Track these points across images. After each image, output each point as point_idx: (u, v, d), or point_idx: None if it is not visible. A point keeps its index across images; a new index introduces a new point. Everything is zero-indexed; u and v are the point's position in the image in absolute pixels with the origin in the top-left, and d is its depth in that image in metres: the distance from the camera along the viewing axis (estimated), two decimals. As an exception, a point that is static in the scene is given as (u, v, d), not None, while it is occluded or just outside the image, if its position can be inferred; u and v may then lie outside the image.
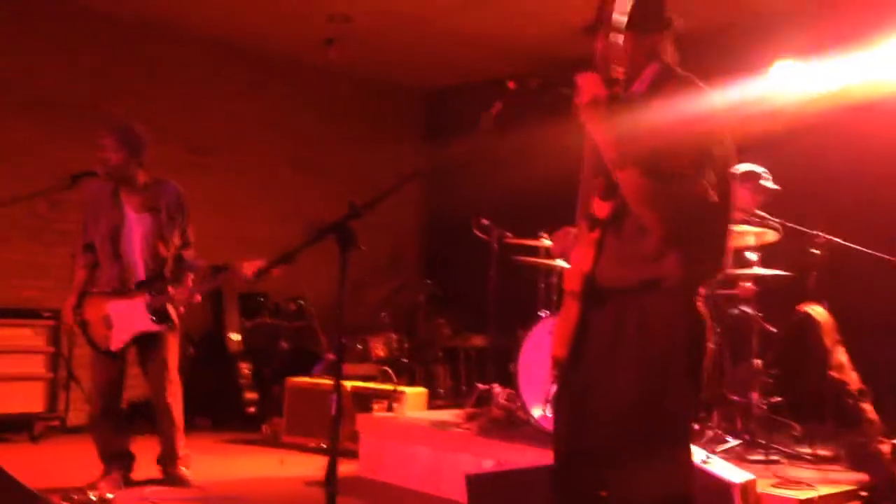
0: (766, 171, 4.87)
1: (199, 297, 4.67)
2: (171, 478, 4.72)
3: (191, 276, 4.58)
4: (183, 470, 4.74)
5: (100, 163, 4.55)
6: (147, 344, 4.66)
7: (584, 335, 2.22)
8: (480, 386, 5.37)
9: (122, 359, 4.69)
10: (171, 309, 4.61)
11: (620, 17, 2.07)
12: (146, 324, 4.56)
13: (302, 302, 7.54)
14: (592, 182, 2.26)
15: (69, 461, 5.37)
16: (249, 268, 4.44)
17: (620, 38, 2.08)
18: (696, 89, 2.19)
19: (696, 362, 2.17)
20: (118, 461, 4.67)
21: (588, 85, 2.10)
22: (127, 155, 4.52)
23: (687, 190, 2.05)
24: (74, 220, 6.86)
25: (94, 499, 4.26)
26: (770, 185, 4.84)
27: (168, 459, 4.75)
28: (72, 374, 6.51)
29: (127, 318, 4.59)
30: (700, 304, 2.20)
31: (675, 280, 2.12)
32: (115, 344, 4.60)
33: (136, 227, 4.57)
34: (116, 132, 4.53)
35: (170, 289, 4.55)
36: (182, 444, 4.75)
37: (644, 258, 2.13)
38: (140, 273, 4.58)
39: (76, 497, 4.26)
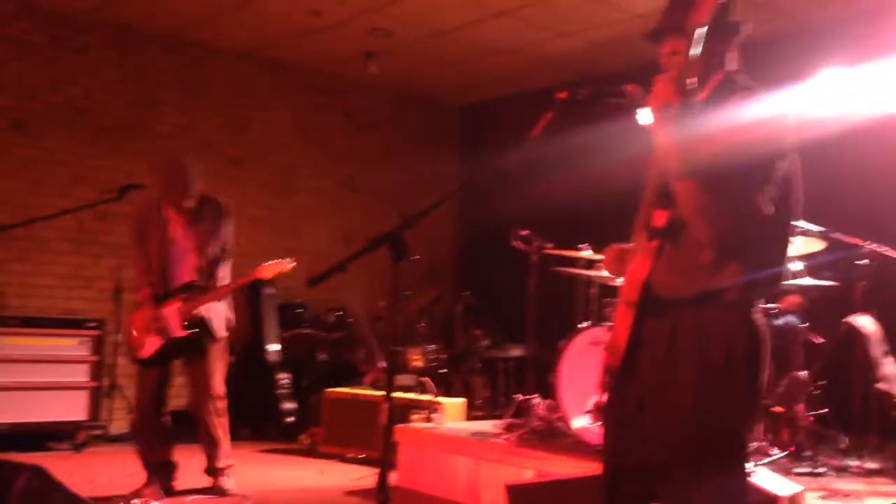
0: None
1: (226, 293, 4.75)
2: (213, 487, 4.78)
3: (218, 280, 4.71)
4: (224, 480, 4.78)
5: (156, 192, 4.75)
6: (190, 355, 4.73)
7: (638, 345, 2.20)
8: (519, 396, 5.35)
9: (162, 367, 4.75)
10: (212, 320, 4.69)
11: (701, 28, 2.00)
12: (177, 330, 4.65)
13: (341, 313, 7.58)
14: (656, 192, 2.23)
15: (112, 470, 5.44)
16: (268, 270, 4.64)
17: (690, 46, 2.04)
18: (761, 101, 2.15)
19: (754, 376, 2.13)
20: (160, 470, 4.73)
21: (662, 89, 2.05)
22: (180, 191, 4.69)
23: (744, 203, 2.02)
24: (121, 233, 7.01)
25: None
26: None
27: (209, 470, 4.81)
28: (115, 384, 6.61)
29: (161, 326, 4.70)
30: (759, 317, 2.16)
31: (734, 292, 2.09)
32: (147, 351, 4.69)
33: (180, 241, 4.74)
34: (167, 175, 4.71)
35: (201, 295, 4.65)
36: (223, 456, 4.78)
37: (702, 269, 2.10)
38: (178, 283, 4.72)
39: None
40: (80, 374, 6.35)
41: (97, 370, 6.43)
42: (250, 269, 4.76)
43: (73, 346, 6.34)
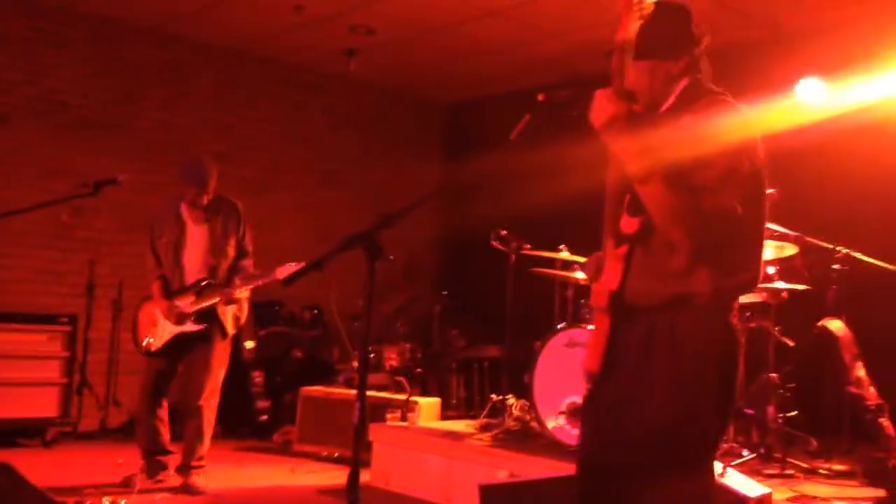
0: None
1: (238, 297, 4.89)
2: (184, 486, 4.79)
3: (237, 279, 4.86)
4: (195, 479, 4.80)
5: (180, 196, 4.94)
6: (195, 347, 4.85)
7: (614, 350, 2.21)
8: (494, 397, 5.36)
9: (168, 362, 4.90)
10: (222, 316, 4.85)
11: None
12: (188, 324, 4.82)
13: (317, 311, 7.56)
14: (617, 197, 2.25)
15: (81, 467, 5.39)
16: (283, 272, 4.71)
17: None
18: (727, 105, 2.18)
19: (727, 380, 2.15)
20: (155, 460, 4.89)
21: (603, 102, 2.07)
22: (196, 190, 4.87)
23: (713, 204, 2.03)
24: (96, 228, 6.96)
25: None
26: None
27: (181, 467, 4.83)
28: (86, 380, 6.54)
29: (178, 313, 4.85)
30: (732, 320, 2.18)
31: (705, 296, 2.10)
32: (157, 344, 4.87)
33: (194, 238, 4.93)
34: (187, 172, 4.88)
35: (214, 292, 4.81)
36: (202, 453, 4.85)
37: (674, 274, 2.11)
38: (191, 279, 4.89)
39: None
40: (51, 371, 6.27)
41: (68, 366, 6.36)
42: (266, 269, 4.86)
43: (44, 341, 6.27)
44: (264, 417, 6.94)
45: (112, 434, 6.63)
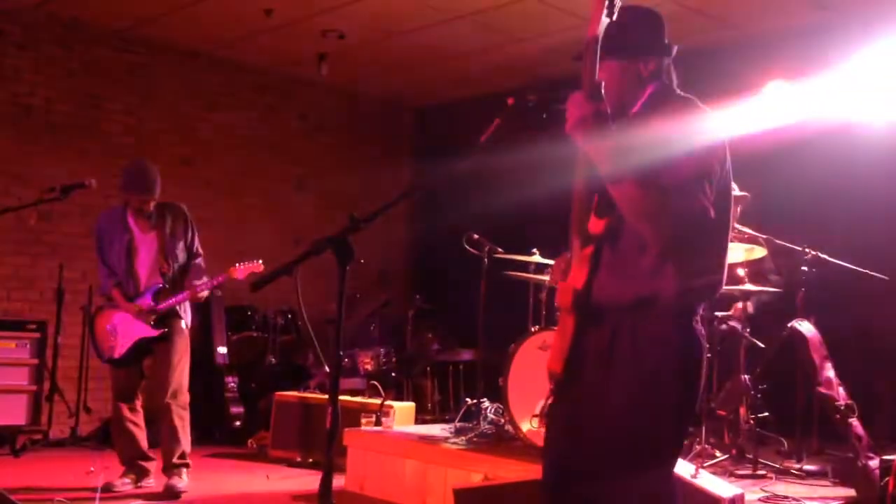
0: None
1: (203, 295, 5.00)
2: (166, 486, 4.80)
3: (191, 279, 4.92)
4: (177, 480, 4.81)
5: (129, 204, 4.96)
6: (157, 348, 4.90)
7: (578, 351, 2.22)
8: (468, 400, 5.36)
9: (133, 367, 4.96)
10: (181, 318, 4.92)
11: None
12: (146, 330, 4.86)
13: (290, 315, 7.52)
14: (585, 198, 2.26)
15: (51, 474, 5.32)
16: (241, 271, 4.88)
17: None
18: (696, 109, 2.19)
19: (689, 384, 2.16)
20: (137, 465, 4.92)
21: (573, 106, 2.07)
22: (143, 197, 4.88)
23: (685, 203, 2.05)
24: (64, 232, 6.88)
25: None
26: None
27: (165, 468, 4.86)
28: (56, 387, 6.46)
29: (129, 326, 4.89)
30: (696, 324, 2.19)
31: (670, 298, 2.11)
32: (119, 351, 4.90)
33: (144, 246, 4.95)
34: (139, 180, 4.87)
35: (169, 295, 4.87)
36: (182, 451, 4.87)
37: (639, 275, 2.12)
38: (144, 287, 4.93)
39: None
40: (20, 378, 6.21)
41: (38, 373, 6.28)
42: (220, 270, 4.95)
43: (13, 348, 6.19)
44: (238, 423, 6.89)
45: (83, 441, 6.54)
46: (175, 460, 4.82)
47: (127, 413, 4.92)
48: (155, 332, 4.86)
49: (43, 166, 6.77)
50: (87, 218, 6.99)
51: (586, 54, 2.06)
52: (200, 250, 5.08)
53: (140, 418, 4.98)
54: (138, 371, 5.01)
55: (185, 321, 4.97)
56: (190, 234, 5.03)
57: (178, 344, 4.91)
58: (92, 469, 5.37)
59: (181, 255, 4.99)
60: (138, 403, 4.98)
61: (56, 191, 4.65)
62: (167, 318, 4.88)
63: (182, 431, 4.87)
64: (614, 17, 2.04)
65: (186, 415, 4.93)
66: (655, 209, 2.05)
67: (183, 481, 4.83)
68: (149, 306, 4.87)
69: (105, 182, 6.86)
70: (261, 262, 4.93)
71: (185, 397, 4.94)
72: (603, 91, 2.06)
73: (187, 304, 4.99)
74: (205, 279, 4.96)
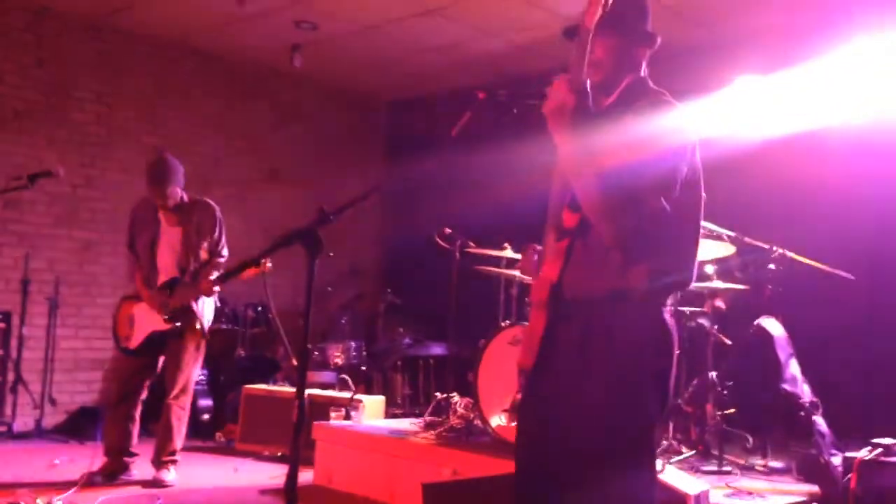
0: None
1: (215, 290, 4.98)
2: (154, 479, 4.87)
3: (206, 276, 4.92)
4: (165, 473, 4.89)
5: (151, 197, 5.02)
6: (169, 345, 4.93)
7: (550, 345, 2.22)
8: (438, 395, 5.37)
9: (142, 358, 4.96)
10: (198, 313, 4.93)
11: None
12: (159, 323, 4.89)
13: (260, 308, 7.47)
14: (562, 193, 2.26)
15: (15, 466, 5.25)
16: (248, 271, 4.73)
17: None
18: (667, 105, 2.20)
19: (662, 375, 2.17)
20: (119, 459, 4.91)
21: (557, 91, 2.06)
22: (155, 190, 4.94)
23: (646, 204, 2.06)
24: (30, 222, 6.78)
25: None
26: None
27: (154, 460, 4.92)
28: (20, 378, 6.37)
29: (146, 319, 4.95)
30: (668, 317, 2.20)
31: (641, 292, 2.12)
32: (134, 342, 4.95)
33: (167, 239, 5.01)
34: (156, 174, 4.94)
35: (184, 290, 4.89)
36: (173, 448, 4.93)
37: (611, 269, 2.13)
38: (162, 280, 4.98)
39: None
40: (-16, 369, 6.10)
41: (2, 365, 6.20)
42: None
43: (-24, 339, 6.10)
44: (206, 416, 6.84)
45: (48, 434, 6.46)
46: (164, 457, 4.90)
47: (124, 406, 4.92)
48: (167, 327, 4.87)
49: (10, 154, 6.66)
50: (53, 207, 6.91)
51: (577, 46, 2.05)
52: (225, 251, 5.10)
53: (137, 412, 4.99)
54: (150, 366, 5.00)
55: (202, 319, 4.97)
56: (217, 234, 5.06)
57: (190, 344, 4.94)
58: (57, 462, 5.32)
59: (204, 254, 5.02)
60: (139, 398, 4.99)
61: (23, 179, 4.57)
62: (180, 314, 4.89)
63: (177, 431, 4.93)
64: (608, 8, 2.04)
65: (185, 415, 4.99)
66: (614, 211, 2.06)
67: (171, 474, 4.90)
68: (162, 297, 4.91)
69: (73, 171, 6.81)
70: (269, 263, 4.87)
71: (188, 397, 5.00)
72: (588, 86, 2.06)
73: (205, 302, 5.00)
74: (215, 275, 4.93)
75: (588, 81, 2.06)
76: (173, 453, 4.93)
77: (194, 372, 5.04)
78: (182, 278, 4.95)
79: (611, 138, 2.11)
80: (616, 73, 2.26)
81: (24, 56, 6.85)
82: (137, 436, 5.02)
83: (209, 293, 4.97)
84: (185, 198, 5.06)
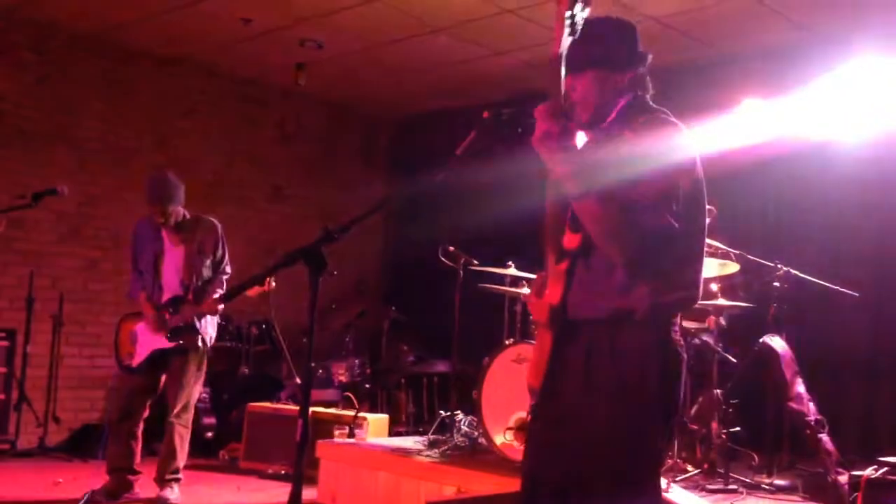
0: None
1: (218, 308, 4.97)
2: (157, 497, 4.84)
3: (210, 294, 4.94)
4: (168, 491, 4.86)
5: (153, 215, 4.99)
6: (172, 363, 4.92)
7: (556, 366, 2.21)
8: (442, 413, 5.35)
9: (144, 376, 4.94)
10: (201, 330, 4.93)
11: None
12: (162, 341, 4.89)
13: (264, 326, 7.46)
14: (559, 214, 2.26)
15: (19, 485, 5.24)
16: (252, 290, 4.78)
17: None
18: (667, 123, 2.20)
19: (669, 396, 2.16)
20: (122, 478, 4.88)
21: (539, 118, 2.06)
22: (166, 206, 4.91)
23: (648, 220, 2.05)
24: (35, 240, 6.79)
25: None
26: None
27: (157, 479, 4.90)
28: (24, 396, 6.36)
29: (149, 336, 4.95)
30: (675, 336, 2.19)
31: (644, 312, 2.11)
32: (136, 360, 4.95)
33: (171, 257, 5.01)
34: (155, 191, 4.92)
35: (187, 308, 4.89)
36: (176, 466, 4.91)
37: (614, 289, 2.12)
38: (165, 297, 4.98)
39: None
40: (-12, 386, 6.10)
41: (6, 382, 6.19)
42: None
43: (-20, 356, 6.10)
44: (210, 434, 6.82)
45: (51, 452, 6.45)
46: (168, 475, 4.87)
47: (127, 424, 4.91)
48: (169, 345, 4.87)
49: (14, 173, 6.68)
50: (58, 225, 6.93)
51: (550, 73, 2.06)
52: (228, 269, 5.11)
53: (139, 430, 4.97)
54: (152, 384, 4.98)
55: (205, 337, 4.97)
56: (220, 252, 5.07)
57: (192, 363, 4.93)
58: (60, 480, 5.30)
59: (206, 271, 5.02)
60: (141, 416, 4.98)
61: (27, 197, 4.59)
62: (183, 332, 4.89)
63: (180, 449, 4.91)
64: (577, 35, 2.05)
65: (187, 433, 4.97)
66: (617, 228, 2.06)
67: (174, 493, 4.88)
68: (163, 317, 4.91)
69: (77, 190, 6.82)
70: (273, 282, 4.88)
71: (190, 415, 4.99)
72: (573, 103, 2.07)
73: (208, 320, 5.01)
74: (219, 293, 4.94)
75: (569, 103, 2.07)
76: (176, 471, 4.91)
77: (196, 390, 5.03)
78: (185, 296, 4.95)
79: (609, 157, 2.11)
80: (603, 104, 2.26)
81: (28, 74, 6.89)
82: (141, 454, 4.99)
83: (213, 312, 4.97)
84: (187, 215, 5.06)
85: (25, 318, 6.52)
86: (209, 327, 5.03)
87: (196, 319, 4.91)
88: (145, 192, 4.99)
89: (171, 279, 5.00)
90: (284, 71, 7.59)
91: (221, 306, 5.00)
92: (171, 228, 4.98)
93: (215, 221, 5.11)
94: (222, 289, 4.99)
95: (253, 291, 4.85)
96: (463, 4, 6.10)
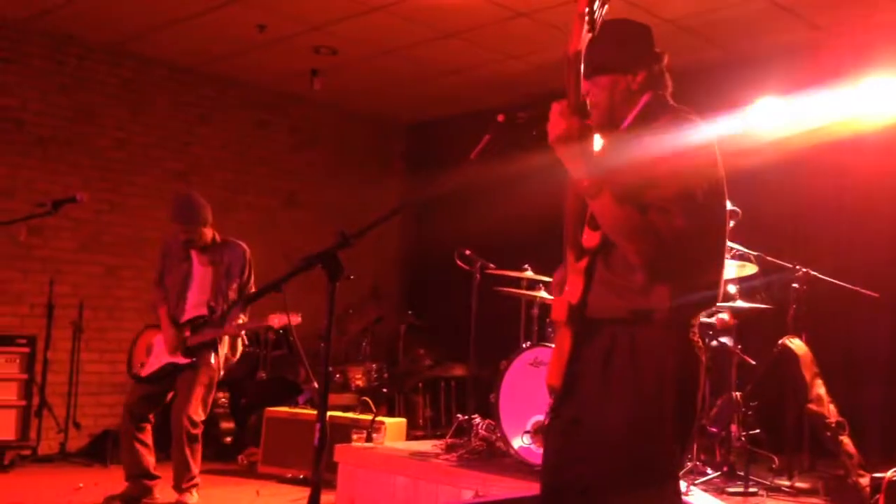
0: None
1: (237, 333, 5.04)
2: (176, 502, 4.87)
3: (231, 318, 4.98)
4: (188, 497, 4.89)
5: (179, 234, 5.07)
6: (183, 375, 4.94)
7: (575, 365, 2.20)
8: (460, 416, 5.35)
9: (152, 386, 5.00)
10: (208, 349, 4.95)
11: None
12: (176, 356, 4.94)
13: (282, 331, 7.48)
14: (578, 212, 2.26)
15: (39, 491, 5.28)
16: (278, 321, 4.84)
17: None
18: (688, 122, 2.19)
19: (687, 397, 2.14)
20: (140, 483, 4.93)
21: (558, 117, 2.05)
22: (190, 227, 4.99)
23: (666, 221, 2.04)
24: (55, 247, 6.85)
25: None
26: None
27: (176, 486, 4.92)
28: (45, 402, 6.42)
29: (164, 350, 4.99)
30: (695, 337, 2.18)
31: (664, 312, 2.10)
32: (147, 370, 5.03)
33: (198, 277, 5.07)
34: (179, 211, 5.00)
35: (209, 329, 4.95)
36: (192, 473, 4.92)
37: (634, 289, 2.11)
38: (188, 315, 5.03)
39: None
40: (9, 393, 6.15)
41: (27, 388, 6.23)
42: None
43: (2, 363, 6.15)
44: (229, 439, 6.85)
45: (72, 457, 6.50)
46: (184, 483, 4.90)
47: (135, 432, 4.96)
48: (183, 361, 4.92)
49: (34, 181, 6.75)
50: (77, 233, 6.98)
51: (569, 70, 2.06)
52: (248, 291, 5.10)
53: (148, 437, 5.01)
54: (158, 395, 5.04)
55: (218, 353, 5.00)
56: (246, 276, 5.10)
57: (203, 376, 4.94)
58: (81, 485, 5.34)
59: (232, 294, 5.05)
60: (147, 424, 5.02)
61: (47, 205, 4.64)
62: (197, 349, 4.93)
63: (192, 458, 4.91)
64: (595, 32, 2.04)
65: (197, 444, 4.96)
66: (635, 230, 2.05)
67: (193, 498, 4.91)
68: (181, 336, 4.95)
69: (96, 196, 6.88)
70: (300, 316, 4.72)
71: (198, 430, 4.96)
72: (589, 107, 2.06)
73: (226, 340, 5.06)
74: (241, 318, 4.97)
75: (588, 101, 2.06)
76: (192, 478, 4.93)
77: (208, 399, 5.01)
78: (209, 318, 4.99)
79: (629, 156, 2.10)
80: (616, 107, 2.27)
81: (47, 83, 6.96)
82: (155, 459, 5.03)
83: (235, 335, 5.04)
84: (217, 238, 5.11)
85: (46, 324, 6.57)
86: (229, 345, 5.09)
87: (216, 338, 4.97)
88: (170, 212, 5.05)
89: (196, 299, 5.04)
90: (299, 77, 7.63)
91: (244, 331, 5.07)
92: (199, 249, 5.05)
93: (244, 246, 5.16)
94: (245, 315, 5.01)
95: (277, 323, 4.86)
96: (476, 9, 6.11)
